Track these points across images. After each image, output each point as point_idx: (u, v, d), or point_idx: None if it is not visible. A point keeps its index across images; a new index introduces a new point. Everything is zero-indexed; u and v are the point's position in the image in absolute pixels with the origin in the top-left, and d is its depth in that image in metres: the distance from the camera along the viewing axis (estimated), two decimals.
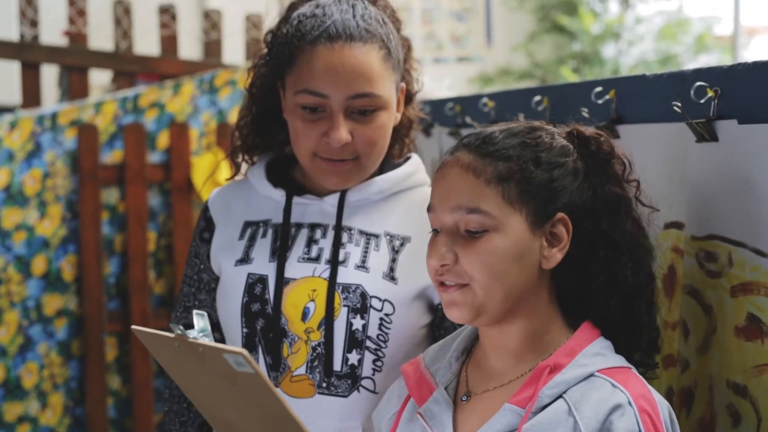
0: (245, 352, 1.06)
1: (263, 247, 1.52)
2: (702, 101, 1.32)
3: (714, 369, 1.33)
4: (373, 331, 1.45)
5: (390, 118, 1.46)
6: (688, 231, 1.39)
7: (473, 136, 1.25)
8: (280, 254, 1.49)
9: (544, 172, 1.19)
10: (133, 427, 3.45)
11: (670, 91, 1.41)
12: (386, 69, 1.43)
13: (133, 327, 1.23)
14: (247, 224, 1.56)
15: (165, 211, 3.56)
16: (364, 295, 1.45)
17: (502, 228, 1.18)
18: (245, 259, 1.52)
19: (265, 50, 1.55)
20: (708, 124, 1.31)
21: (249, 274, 1.50)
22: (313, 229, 1.51)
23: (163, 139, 3.54)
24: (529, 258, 1.19)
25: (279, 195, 1.54)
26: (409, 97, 1.59)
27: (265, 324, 1.48)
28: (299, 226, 1.52)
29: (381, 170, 1.56)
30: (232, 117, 3.70)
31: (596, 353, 1.18)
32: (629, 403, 1.10)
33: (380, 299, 1.45)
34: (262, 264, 1.50)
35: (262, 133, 1.58)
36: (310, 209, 1.53)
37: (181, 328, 1.12)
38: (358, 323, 1.44)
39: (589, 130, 1.27)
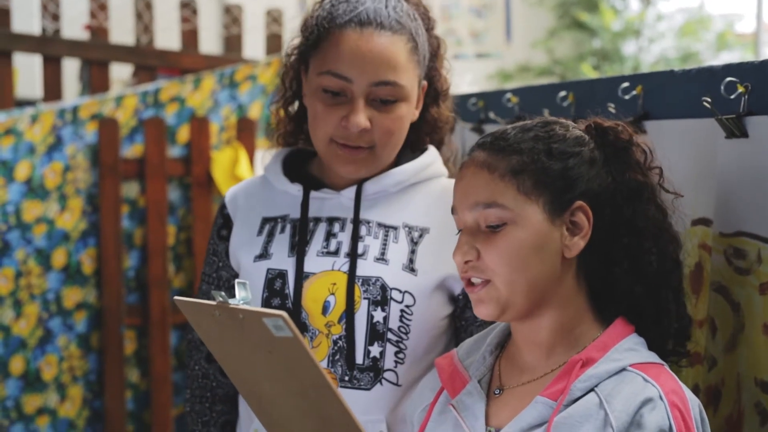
0: (285, 314, 1.06)
1: (282, 242, 1.52)
2: (732, 97, 1.30)
3: (742, 367, 1.32)
4: (394, 323, 1.45)
5: (409, 111, 1.47)
6: (716, 228, 1.37)
7: (488, 135, 1.27)
8: (298, 249, 1.49)
9: (557, 161, 1.20)
10: (151, 420, 3.46)
11: (699, 86, 1.40)
12: (411, 62, 1.44)
13: (176, 297, 1.23)
14: (265, 220, 1.56)
15: (185, 205, 3.56)
16: (384, 288, 1.44)
17: (520, 220, 1.19)
18: (264, 255, 1.53)
19: (297, 39, 1.54)
20: (738, 119, 1.30)
21: (268, 270, 1.51)
22: (331, 223, 1.51)
23: (184, 134, 3.54)
24: (550, 247, 1.19)
25: (296, 189, 1.54)
26: (435, 96, 1.58)
27: None
28: (317, 220, 1.52)
29: (397, 162, 1.56)
30: (252, 112, 3.70)
31: (629, 348, 1.18)
32: (660, 397, 1.11)
33: (400, 291, 1.45)
34: (281, 259, 1.51)
35: (294, 120, 1.59)
36: (327, 203, 1.53)
37: (223, 294, 1.12)
38: (379, 315, 1.44)
39: (608, 121, 1.27)
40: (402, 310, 1.45)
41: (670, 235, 1.24)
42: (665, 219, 1.24)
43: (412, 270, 1.46)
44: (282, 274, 1.49)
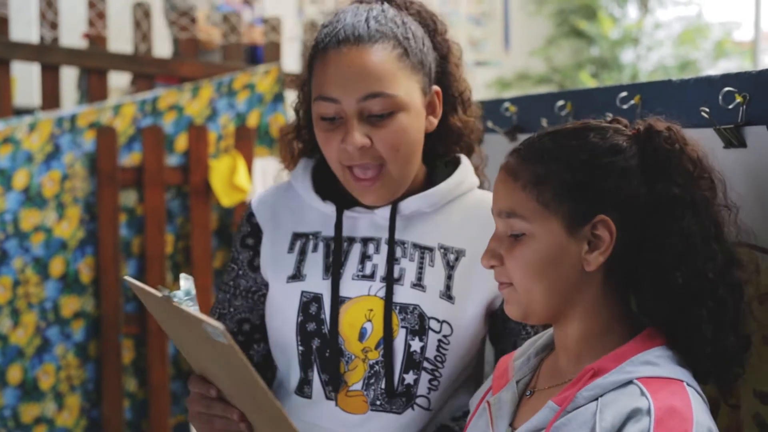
0: (223, 327, 1.09)
1: (315, 262, 1.48)
2: (730, 107, 1.30)
3: (740, 378, 1.31)
4: (431, 352, 1.43)
5: (412, 121, 1.41)
6: None
7: (523, 141, 1.25)
8: (333, 272, 1.45)
9: (580, 173, 1.17)
10: (149, 430, 3.44)
11: (697, 96, 1.40)
12: (402, 68, 1.39)
13: (126, 277, 1.28)
14: (296, 236, 1.52)
15: (183, 214, 3.56)
16: (422, 317, 1.42)
17: (537, 231, 1.18)
18: (297, 276, 1.49)
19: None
20: (736, 129, 1.30)
21: (303, 293, 1.47)
22: (365, 244, 1.47)
23: (182, 142, 3.54)
24: (568, 261, 1.17)
25: (329, 209, 1.50)
26: (452, 103, 1.53)
27: (320, 343, 1.45)
28: (351, 240, 1.48)
29: (430, 175, 1.52)
30: (251, 120, 3.70)
31: (647, 361, 1.14)
32: (648, 410, 1.07)
33: (438, 320, 1.42)
34: (316, 282, 1.47)
35: (305, 142, 1.57)
36: (360, 222, 1.49)
37: (168, 290, 1.16)
38: (416, 345, 1.42)
39: (662, 124, 1.21)
40: (440, 340, 1.42)
41: (709, 252, 1.16)
42: (706, 235, 1.17)
43: (450, 297, 1.43)
44: (317, 298, 1.46)
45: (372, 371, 1.44)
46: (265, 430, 1.27)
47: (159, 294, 1.19)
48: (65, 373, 3.33)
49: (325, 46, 1.39)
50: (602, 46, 6.13)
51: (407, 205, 1.46)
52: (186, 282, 1.20)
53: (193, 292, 1.21)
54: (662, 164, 1.18)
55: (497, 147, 1.88)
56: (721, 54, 6.07)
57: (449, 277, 1.44)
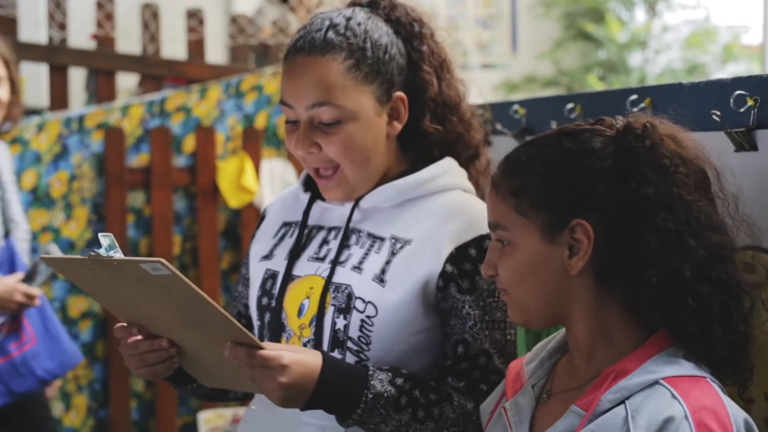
0: (163, 260, 1.19)
1: (286, 246, 1.57)
2: (741, 110, 1.30)
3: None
4: (353, 332, 1.44)
5: (362, 129, 1.46)
6: None
7: (508, 154, 1.26)
8: (291, 252, 1.54)
9: (552, 180, 1.18)
10: (156, 430, 3.45)
11: (709, 99, 1.39)
12: (351, 79, 1.44)
13: (42, 256, 1.38)
14: (284, 224, 1.62)
15: (190, 215, 3.56)
16: (350, 296, 1.45)
17: (519, 240, 1.19)
18: (268, 256, 1.58)
19: None
20: (747, 133, 1.29)
21: (266, 270, 1.56)
22: (329, 232, 1.54)
23: (189, 143, 3.55)
24: (550, 267, 1.18)
25: (305, 198, 1.59)
26: (422, 107, 1.53)
27: (270, 318, 1.52)
28: (320, 228, 1.56)
29: (405, 176, 1.54)
30: (258, 121, 3.70)
31: (668, 361, 1.13)
32: (685, 416, 1.05)
33: (364, 301, 1.44)
34: (279, 261, 1.55)
35: None
36: (331, 213, 1.56)
37: (93, 249, 1.25)
38: (340, 323, 1.45)
39: (641, 122, 1.19)
40: (362, 320, 1.44)
41: (686, 249, 1.14)
42: (683, 232, 1.14)
43: (382, 281, 1.45)
44: (274, 275, 1.54)
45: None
46: (215, 349, 1.32)
47: (84, 256, 1.26)
48: (73, 373, 3.33)
49: (287, 53, 1.48)
50: (610, 50, 6.12)
51: (366, 200, 1.52)
52: (106, 239, 1.27)
53: (116, 245, 1.27)
54: (634, 162, 1.16)
55: (506, 149, 1.87)
56: (729, 57, 6.06)
57: (387, 263, 1.46)
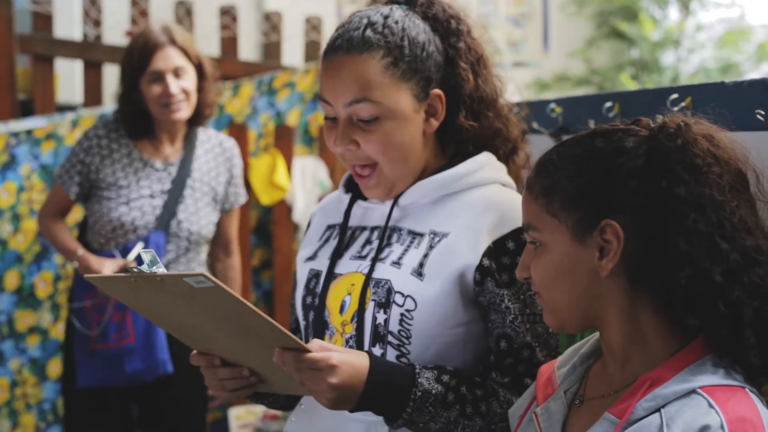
0: (206, 272, 1.21)
1: (330, 247, 1.59)
2: None
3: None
4: (394, 326, 1.45)
5: (400, 126, 1.47)
6: None
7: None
8: (334, 251, 1.56)
9: (582, 180, 1.17)
10: None
11: (752, 98, 1.38)
12: (389, 77, 1.45)
13: (86, 276, 1.39)
14: (328, 227, 1.64)
15: None
16: (390, 291, 1.46)
17: (550, 241, 1.19)
18: (313, 257, 1.61)
19: None
20: None
21: (310, 270, 1.59)
22: (372, 232, 1.56)
23: None
24: (582, 268, 1.17)
25: (346, 198, 1.60)
26: (458, 103, 1.54)
27: (314, 316, 1.54)
28: (363, 228, 1.57)
29: (442, 171, 1.55)
30: (291, 119, 3.71)
31: (705, 369, 1.11)
32: (721, 426, 1.04)
33: (403, 295, 1.45)
34: (323, 261, 1.57)
35: None
36: (372, 212, 1.57)
37: (136, 266, 1.27)
38: (381, 318, 1.46)
39: (676, 121, 1.17)
40: (402, 314, 1.44)
41: (717, 252, 1.11)
42: (715, 234, 1.11)
43: (420, 274, 1.46)
44: (318, 275, 1.57)
45: (347, 346, 1.48)
46: (264, 356, 1.34)
47: (127, 274, 1.28)
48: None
49: (326, 51, 1.50)
50: (643, 48, 6.07)
51: (404, 198, 1.53)
52: (147, 254, 1.28)
53: (158, 260, 1.28)
54: (665, 161, 1.14)
55: (542, 148, 1.86)
56: (763, 56, 5.98)
57: (425, 256, 1.47)
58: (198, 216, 2.80)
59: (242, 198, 2.99)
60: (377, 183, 1.50)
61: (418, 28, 1.50)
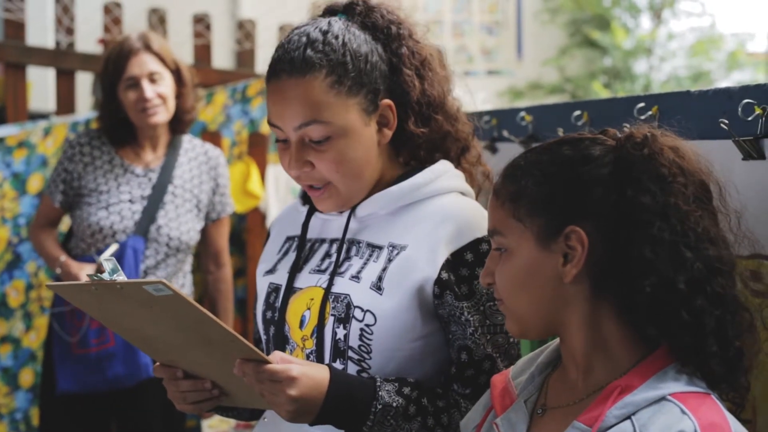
0: (164, 280, 1.20)
1: (289, 260, 1.57)
2: (749, 118, 1.30)
3: (758, 390, 1.31)
4: (354, 341, 1.44)
5: (352, 142, 1.45)
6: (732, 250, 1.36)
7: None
8: (293, 265, 1.54)
9: (548, 187, 1.18)
10: None
11: (717, 107, 1.40)
12: (336, 95, 1.43)
13: (47, 284, 1.37)
14: (287, 239, 1.62)
15: None
16: (349, 305, 1.45)
17: (515, 246, 1.19)
18: (272, 270, 1.59)
19: None
20: (755, 141, 1.30)
21: (269, 283, 1.57)
22: (331, 244, 1.54)
23: None
24: (545, 274, 1.17)
25: (304, 210, 1.59)
26: (405, 110, 1.52)
27: (274, 331, 1.53)
28: (322, 241, 1.55)
29: (399, 182, 1.53)
30: (264, 127, 3.71)
31: (672, 376, 1.13)
32: (695, 431, 1.05)
33: (363, 309, 1.44)
34: (282, 275, 1.55)
35: None
36: (331, 224, 1.55)
37: (96, 274, 1.26)
38: (341, 333, 1.45)
39: (643, 131, 1.19)
40: (362, 329, 1.43)
41: (680, 260, 1.12)
42: (679, 242, 1.13)
43: (379, 288, 1.45)
44: (277, 289, 1.54)
45: (308, 360, 1.46)
46: (224, 367, 1.33)
47: (88, 282, 1.26)
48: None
49: (268, 75, 1.47)
50: (615, 57, 6.13)
51: (361, 209, 1.51)
52: (108, 263, 1.27)
53: (119, 268, 1.27)
54: (631, 170, 1.16)
55: (512, 156, 1.88)
56: (734, 65, 6.06)
57: (384, 269, 1.46)
58: (178, 222, 2.80)
59: (230, 207, 2.99)
60: (329, 196, 1.49)
61: (359, 40, 1.47)
